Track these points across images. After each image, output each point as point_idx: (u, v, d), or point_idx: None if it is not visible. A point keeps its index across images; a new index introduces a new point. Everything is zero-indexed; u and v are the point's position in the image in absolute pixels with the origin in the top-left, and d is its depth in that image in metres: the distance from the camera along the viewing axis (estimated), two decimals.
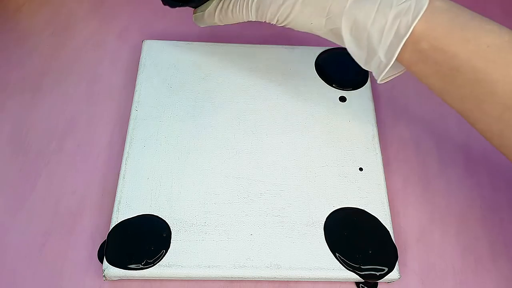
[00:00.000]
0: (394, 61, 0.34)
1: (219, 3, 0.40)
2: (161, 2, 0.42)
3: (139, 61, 0.49)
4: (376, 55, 0.34)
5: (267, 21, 0.38)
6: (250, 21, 0.39)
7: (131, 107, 0.46)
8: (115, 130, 0.46)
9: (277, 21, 0.37)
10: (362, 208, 0.41)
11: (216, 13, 0.40)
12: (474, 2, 0.58)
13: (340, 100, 0.47)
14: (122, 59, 0.51)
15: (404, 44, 0.32)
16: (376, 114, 0.46)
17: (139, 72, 0.48)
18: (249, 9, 0.37)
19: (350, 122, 0.46)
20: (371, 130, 0.45)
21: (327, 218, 0.40)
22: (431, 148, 0.46)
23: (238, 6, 0.38)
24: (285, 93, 0.47)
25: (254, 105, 0.46)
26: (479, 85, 0.31)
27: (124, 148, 0.43)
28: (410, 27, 0.31)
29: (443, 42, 0.31)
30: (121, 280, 0.38)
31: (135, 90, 0.47)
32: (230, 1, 0.39)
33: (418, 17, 0.31)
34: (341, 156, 0.43)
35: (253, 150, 0.44)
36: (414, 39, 0.32)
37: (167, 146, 0.43)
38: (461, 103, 0.33)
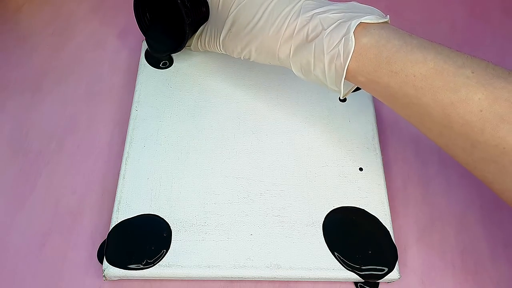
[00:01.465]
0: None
1: (198, 41, 0.46)
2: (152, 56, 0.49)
3: (139, 61, 0.49)
4: (328, 87, 0.38)
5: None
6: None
7: (131, 107, 0.46)
8: (115, 130, 0.46)
9: (243, 59, 0.42)
10: (362, 208, 0.41)
11: (198, 46, 0.46)
12: (474, 2, 0.58)
13: (340, 100, 0.47)
14: (122, 59, 0.51)
15: (346, 78, 0.36)
16: (376, 114, 0.46)
17: (139, 72, 0.48)
18: (219, 49, 0.44)
19: (350, 122, 0.46)
20: (371, 130, 0.45)
21: (327, 218, 0.40)
22: (431, 148, 0.46)
23: (211, 45, 0.44)
24: (285, 93, 0.47)
25: (254, 105, 0.46)
26: (416, 108, 0.34)
27: (124, 148, 0.43)
28: (344, 68, 0.35)
29: (375, 76, 0.35)
30: (121, 280, 0.38)
31: (135, 90, 0.47)
32: (205, 39, 0.44)
33: (348, 59, 0.35)
34: (341, 156, 0.43)
35: (253, 150, 0.44)
36: (351, 74, 0.36)
37: (167, 146, 0.43)
38: (409, 120, 0.36)
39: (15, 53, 0.52)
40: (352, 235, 0.39)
